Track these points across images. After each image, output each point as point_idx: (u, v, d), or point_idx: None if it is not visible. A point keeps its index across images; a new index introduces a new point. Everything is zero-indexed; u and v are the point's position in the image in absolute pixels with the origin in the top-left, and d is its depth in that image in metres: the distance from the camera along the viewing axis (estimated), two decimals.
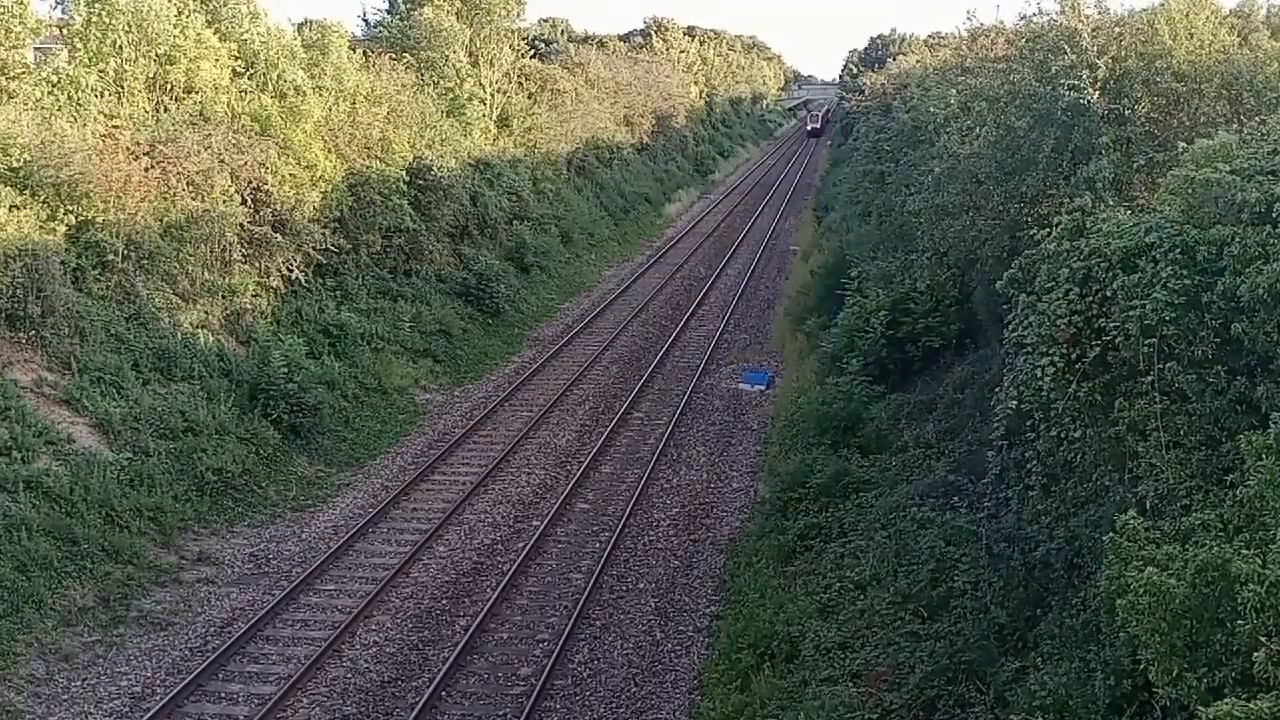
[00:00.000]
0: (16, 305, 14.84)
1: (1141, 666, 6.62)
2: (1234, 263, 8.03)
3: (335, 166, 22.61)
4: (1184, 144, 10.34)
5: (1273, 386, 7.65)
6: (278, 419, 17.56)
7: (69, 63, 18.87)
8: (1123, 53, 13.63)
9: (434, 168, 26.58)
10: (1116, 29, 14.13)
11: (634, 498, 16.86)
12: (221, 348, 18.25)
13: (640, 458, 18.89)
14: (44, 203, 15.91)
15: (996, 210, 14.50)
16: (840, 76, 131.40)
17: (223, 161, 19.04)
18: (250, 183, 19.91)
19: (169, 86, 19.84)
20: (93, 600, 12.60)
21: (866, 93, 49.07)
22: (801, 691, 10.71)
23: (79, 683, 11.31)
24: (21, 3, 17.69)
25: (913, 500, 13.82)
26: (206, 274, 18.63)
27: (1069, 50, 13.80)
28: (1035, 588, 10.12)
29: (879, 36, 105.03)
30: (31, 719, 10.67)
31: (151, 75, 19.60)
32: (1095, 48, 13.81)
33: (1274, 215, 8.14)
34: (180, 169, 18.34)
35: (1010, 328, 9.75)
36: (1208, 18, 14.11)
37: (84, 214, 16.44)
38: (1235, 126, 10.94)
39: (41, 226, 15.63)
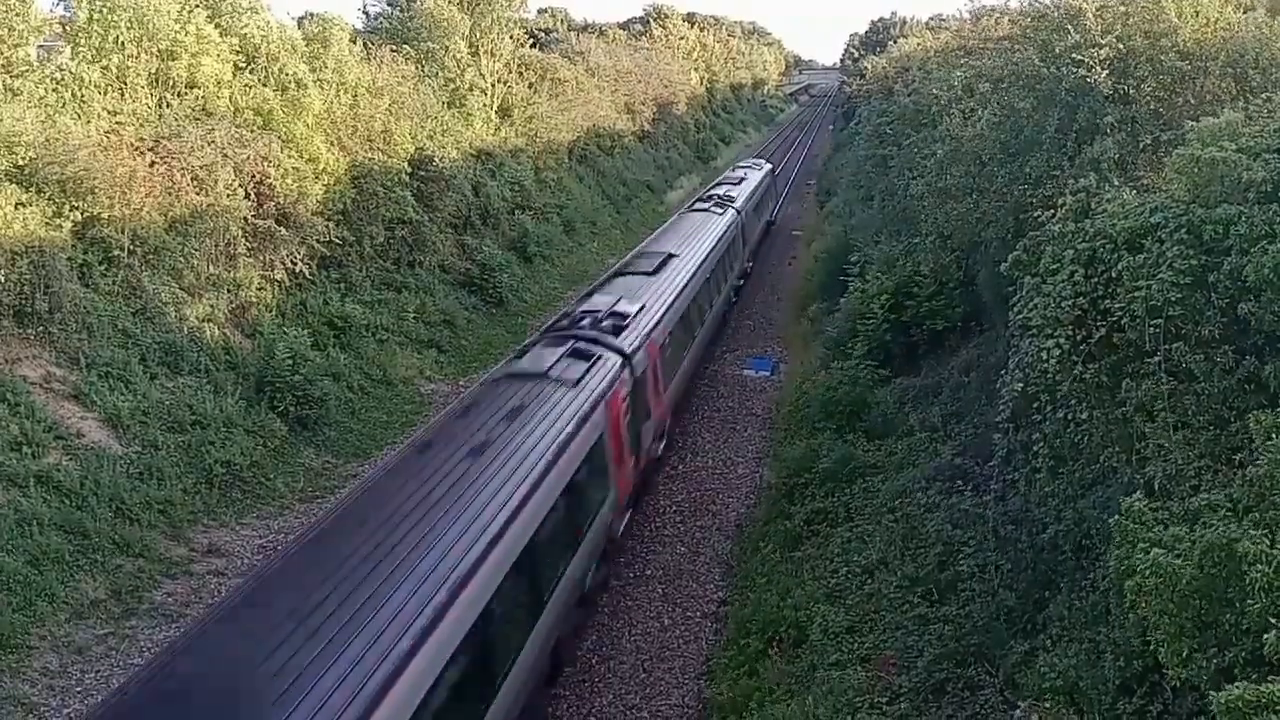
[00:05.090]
0: (24, 302, 14.87)
1: (1151, 648, 6.62)
2: (1240, 242, 8.00)
3: (337, 159, 22.59)
4: (1190, 123, 10.28)
5: None
6: (284, 411, 17.61)
7: (72, 59, 18.84)
8: (1127, 32, 13.51)
9: (436, 159, 26.55)
10: (1121, 8, 14.01)
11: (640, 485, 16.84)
12: (227, 341, 18.28)
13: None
14: (49, 199, 15.93)
15: (1000, 192, 14.42)
16: (841, 61, 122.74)
17: (226, 156, 19.02)
18: (253, 177, 19.90)
19: (171, 82, 19.81)
20: (104, 593, 12.68)
21: (868, 76, 48.78)
22: (810, 676, 10.75)
23: (92, 675, 11.40)
24: (24, 1, 17.66)
25: (919, 484, 13.82)
26: (211, 268, 18.64)
27: (1073, 30, 13.70)
28: (1043, 570, 10.13)
29: (880, 20, 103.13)
30: (46, 711, 10.76)
31: (154, 71, 19.56)
32: (1100, 27, 13.71)
33: None
34: (184, 164, 18.34)
35: (1015, 310, 9.72)
36: None
37: (89, 210, 16.46)
38: (1241, 104, 10.86)
39: (47, 223, 15.65)
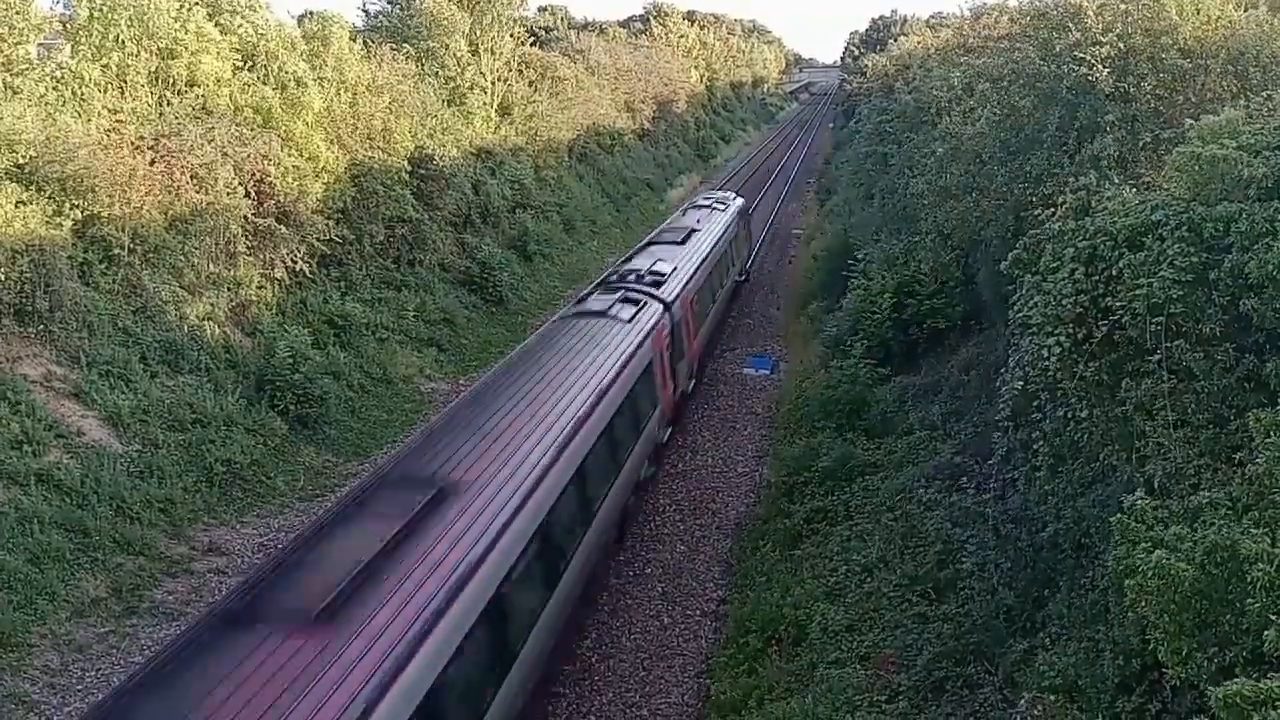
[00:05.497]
0: (24, 300, 14.87)
1: (1151, 646, 6.62)
2: (1241, 239, 8.00)
3: (337, 157, 22.59)
4: (1190, 120, 10.27)
5: None
6: (284, 410, 17.61)
7: (72, 58, 18.84)
8: (1128, 29, 13.51)
9: (436, 157, 26.55)
10: (1122, 6, 14.00)
11: (640, 483, 16.86)
12: (228, 339, 18.28)
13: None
14: (50, 198, 15.93)
15: (1000, 191, 14.43)
16: (841, 59, 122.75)
17: (226, 154, 19.02)
18: (253, 175, 19.90)
19: (171, 80, 19.82)
20: (105, 591, 12.69)
21: (868, 75, 48.81)
22: (809, 674, 10.76)
23: (93, 673, 11.41)
24: None
25: (919, 483, 13.83)
26: (211, 266, 18.64)
27: (1074, 28, 13.70)
28: (1043, 568, 10.13)
29: (880, 18, 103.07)
30: (47, 709, 10.77)
31: (154, 69, 19.57)
32: (1100, 25, 13.71)
33: None
34: (184, 162, 18.33)
35: (1015, 308, 9.72)
36: None
37: (90, 209, 16.46)
38: (1242, 102, 10.85)
39: (48, 222, 15.65)
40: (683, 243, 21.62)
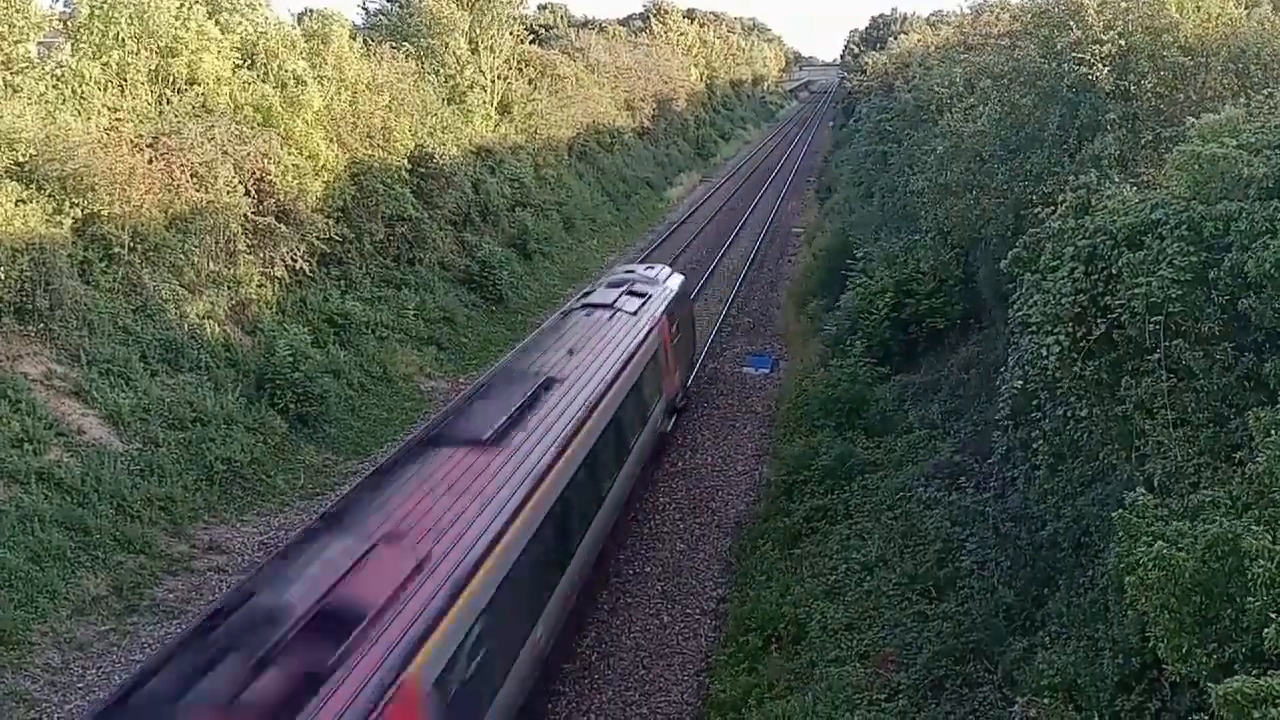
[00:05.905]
0: (25, 299, 14.87)
1: (1150, 644, 6.63)
2: (1241, 238, 8.01)
3: (337, 156, 22.58)
4: (1191, 119, 10.28)
5: None
6: (284, 408, 17.62)
7: (72, 56, 18.83)
8: (1129, 27, 13.51)
9: (436, 156, 26.56)
10: (1123, 3, 14.01)
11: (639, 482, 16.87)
12: (228, 338, 18.28)
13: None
14: (50, 196, 15.92)
15: (1001, 189, 14.44)
16: (841, 57, 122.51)
17: (226, 153, 19.01)
18: (253, 173, 19.88)
19: (171, 79, 19.81)
20: (106, 589, 12.70)
21: (868, 73, 48.83)
22: (809, 673, 10.77)
23: (94, 671, 11.42)
24: None
25: (919, 481, 13.84)
26: (212, 265, 18.64)
27: (1075, 26, 13.70)
28: (1042, 567, 10.14)
29: (880, 16, 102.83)
30: (48, 707, 10.78)
31: (154, 67, 19.56)
32: (1102, 23, 13.71)
33: None
34: (184, 161, 18.32)
35: (1015, 307, 9.73)
36: None
37: (90, 207, 16.45)
38: (1242, 100, 10.86)
39: (48, 220, 15.65)
40: (497, 440, 10.20)
